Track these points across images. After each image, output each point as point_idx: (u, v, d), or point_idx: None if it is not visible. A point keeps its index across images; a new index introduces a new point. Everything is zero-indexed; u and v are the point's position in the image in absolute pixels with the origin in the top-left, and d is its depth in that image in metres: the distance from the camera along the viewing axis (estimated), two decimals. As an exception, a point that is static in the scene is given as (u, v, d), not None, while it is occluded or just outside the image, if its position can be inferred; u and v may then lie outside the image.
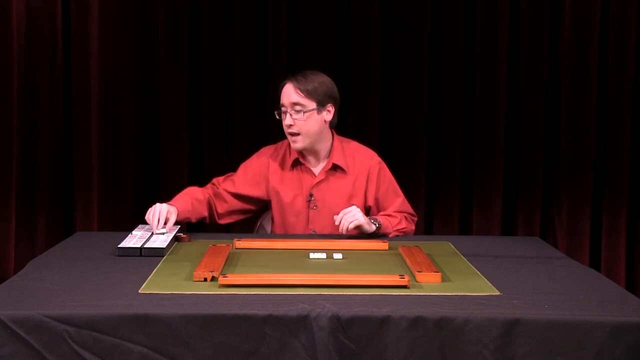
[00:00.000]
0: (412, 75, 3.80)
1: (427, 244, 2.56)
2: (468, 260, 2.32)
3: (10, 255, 3.69)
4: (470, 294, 1.93)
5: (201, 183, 3.72)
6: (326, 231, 2.80)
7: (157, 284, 1.99)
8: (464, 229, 3.89)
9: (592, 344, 1.73)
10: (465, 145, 3.86)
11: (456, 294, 1.93)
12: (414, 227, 2.88)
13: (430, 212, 3.88)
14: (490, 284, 2.03)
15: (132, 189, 3.81)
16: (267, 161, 2.88)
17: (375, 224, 2.67)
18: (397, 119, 3.84)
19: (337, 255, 2.35)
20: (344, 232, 2.61)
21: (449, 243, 2.61)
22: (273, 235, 2.87)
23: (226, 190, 2.86)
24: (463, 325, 1.74)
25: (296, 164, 2.85)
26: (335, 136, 2.87)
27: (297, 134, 2.74)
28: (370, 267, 2.23)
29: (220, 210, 2.85)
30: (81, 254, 2.37)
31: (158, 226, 2.55)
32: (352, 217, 2.60)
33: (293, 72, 2.82)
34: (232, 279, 2.00)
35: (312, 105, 2.73)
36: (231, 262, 2.27)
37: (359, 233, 2.65)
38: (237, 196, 2.86)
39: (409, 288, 1.98)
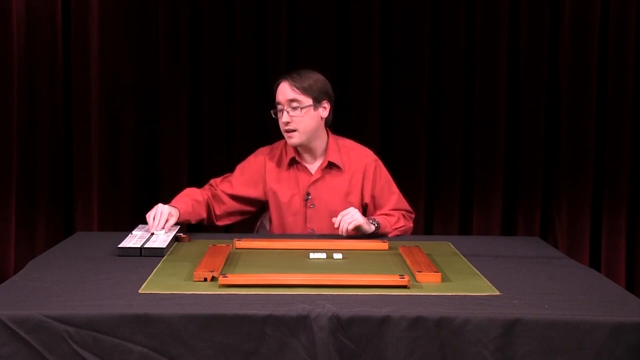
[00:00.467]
0: (412, 75, 3.80)
1: (427, 244, 2.56)
2: (468, 260, 2.33)
3: (10, 255, 3.69)
4: (470, 294, 1.93)
5: (201, 183, 3.72)
6: (324, 229, 2.80)
7: (157, 284, 1.99)
8: (464, 229, 3.89)
9: (592, 344, 1.73)
10: (465, 145, 3.86)
11: (456, 294, 1.93)
12: (412, 225, 2.88)
13: (430, 212, 3.88)
14: (490, 284, 2.03)
15: (132, 189, 3.81)
16: (263, 161, 2.88)
17: (374, 224, 2.67)
18: (397, 119, 3.84)
19: (337, 255, 2.35)
20: (343, 234, 2.61)
21: (449, 243, 2.61)
22: (273, 235, 2.87)
23: (224, 192, 2.86)
24: (463, 325, 1.74)
25: (293, 163, 2.86)
26: (330, 135, 2.88)
27: (294, 130, 2.75)
28: (370, 267, 2.23)
29: (218, 212, 2.86)
30: (81, 254, 2.37)
31: (157, 227, 2.55)
32: (351, 218, 2.60)
33: (288, 71, 2.84)
34: (232, 279, 2.00)
35: (308, 101, 2.74)
36: (231, 262, 2.27)
37: (359, 234, 2.65)
38: (235, 197, 2.86)
39: (409, 288, 1.98)
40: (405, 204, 2.88)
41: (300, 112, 2.74)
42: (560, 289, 2.01)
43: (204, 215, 2.82)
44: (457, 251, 2.48)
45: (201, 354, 1.72)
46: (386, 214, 2.79)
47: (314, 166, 2.86)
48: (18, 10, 3.63)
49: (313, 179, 2.84)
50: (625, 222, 3.85)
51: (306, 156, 2.86)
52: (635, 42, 3.78)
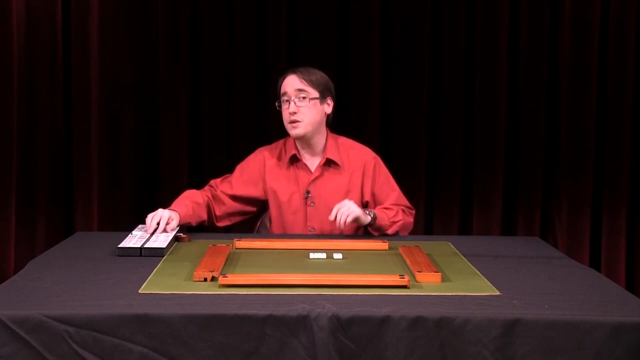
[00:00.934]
0: (412, 75, 3.80)
1: (427, 244, 2.56)
2: (468, 260, 2.32)
3: (10, 255, 3.69)
4: (470, 294, 1.93)
5: (201, 183, 3.72)
6: (325, 227, 2.81)
7: (157, 284, 1.99)
8: (464, 229, 3.89)
9: (592, 344, 1.73)
10: (465, 145, 3.86)
11: (456, 294, 1.93)
12: (412, 220, 2.86)
13: (430, 212, 3.88)
14: (490, 284, 2.03)
15: (132, 189, 3.81)
16: (263, 160, 2.89)
17: (370, 215, 2.67)
18: (397, 119, 3.84)
19: (337, 255, 2.35)
20: (342, 227, 2.61)
21: (449, 243, 2.61)
22: (273, 235, 2.87)
23: (223, 192, 2.86)
24: (463, 325, 1.74)
25: (293, 161, 2.86)
26: (329, 133, 2.89)
27: (299, 121, 2.76)
28: (370, 267, 2.23)
29: (218, 212, 2.86)
30: (81, 254, 2.36)
31: (157, 230, 2.55)
32: (347, 210, 2.60)
33: (296, 65, 2.87)
34: (232, 279, 2.00)
35: (315, 94, 2.77)
36: (231, 262, 2.27)
37: (356, 227, 2.65)
38: (235, 198, 2.87)
39: (409, 288, 1.98)
40: (405, 201, 2.88)
41: (308, 102, 2.76)
42: (560, 289, 2.01)
43: (205, 217, 2.82)
44: (457, 251, 2.48)
45: (201, 354, 1.72)
46: (385, 208, 2.79)
47: (313, 164, 2.86)
48: (18, 10, 3.63)
49: (313, 177, 2.84)
50: (625, 222, 3.85)
51: (305, 153, 2.86)
52: (635, 42, 3.78)
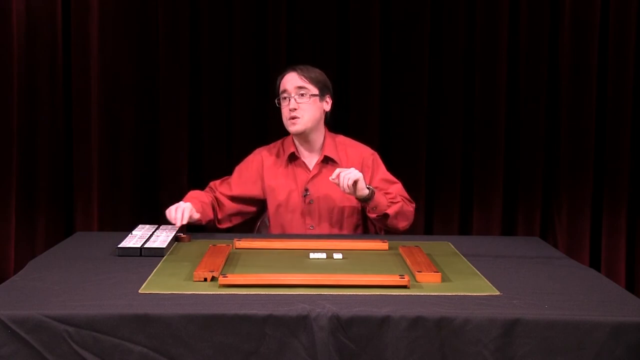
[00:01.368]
0: (412, 75, 3.80)
1: (427, 244, 2.56)
2: (468, 260, 2.33)
3: (10, 255, 3.69)
4: (470, 294, 1.93)
5: (201, 183, 3.72)
6: (323, 225, 2.81)
7: (157, 284, 1.99)
8: (464, 229, 3.89)
9: (592, 344, 1.73)
10: (465, 145, 3.86)
11: (456, 294, 1.93)
12: (411, 209, 2.83)
13: (430, 212, 3.88)
14: (490, 284, 2.03)
15: (132, 189, 3.81)
16: (261, 160, 2.90)
17: (369, 188, 2.65)
18: (397, 119, 3.84)
19: (337, 255, 2.35)
20: (346, 189, 2.58)
21: (449, 243, 2.61)
22: (273, 235, 2.87)
23: (223, 194, 2.87)
24: (463, 325, 1.74)
25: (291, 159, 2.86)
26: (327, 131, 2.90)
27: (298, 117, 2.77)
28: (370, 267, 2.23)
29: (219, 215, 2.86)
30: (81, 254, 2.37)
31: (182, 220, 2.59)
32: (350, 173, 2.58)
33: (296, 64, 2.89)
34: (232, 279, 2.00)
35: (315, 90, 2.80)
36: (231, 262, 2.27)
37: (356, 225, 2.64)
38: (234, 199, 2.87)
39: (409, 288, 1.98)
40: (406, 193, 2.86)
41: (307, 99, 2.78)
42: (560, 289, 2.01)
43: (212, 216, 2.83)
44: (457, 251, 2.48)
45: (201, 354, 1.72)
46: (384, 192, 2.79)
47: (312, 162, 2.87)
48: (18, 10, 3.63)
49: (311, 174, 2.85)
50: (625, 222, 3.85)
51: (304, 151, 2.87)
52: (635, 42, 3.78)
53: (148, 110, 3.80)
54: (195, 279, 2.02)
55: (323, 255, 2.34)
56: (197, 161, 3.83)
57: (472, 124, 3.85)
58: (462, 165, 3.87)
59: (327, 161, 2.86)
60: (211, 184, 2.95)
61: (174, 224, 2.62)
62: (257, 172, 2.89)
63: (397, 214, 2.74)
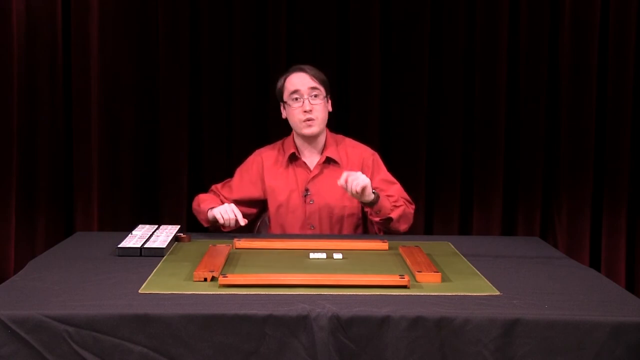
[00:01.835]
0: (412, 75, 3.80)
1: (427, 244, 2.56)
2: (468, 260, 2.33)
3: (10, 255, 3.69)
4: (470, 294, 1.93)
5: (201, 183, 3.73)
6: (324, 225, 2.81)
7: (157, 284, 1.99)
8: (464, 229, 3.89)
9: (592, 344, 1.73)
10: (465, 145, 3.86)
11: (456, 294, 1.94)
12: (412, 211, 2.83)
13: (430, 212, 3.88)
14: (490, 284, 2.03)
15: (132, 189, 3.81)
16: (261, 161, 2.90)
17: (374, 193, 2.66)
18: (397, 119, 3.84)
19: (337, 255, 2.35)
20: (353, 193, 2.57)
21: (449, 243, 2.61)
22: (273, 235, 2.87)
23: (225, 198, 2.87)
24: (463, 325, 1.74)
25: (292, 159, 2.86)
26: (328, 132, 2.90)
27: (314, 119, 2.77)
28: (370, 267, 2.23)
29: None
30: (81, 254, 2.37)
31: (233, 219, 2.62)
32: (357, 178, 2.58)
33: (295, 65, 2.89)
34: (232, 279, 2.00)
35: (324, 92, 2.82)
36: (231, 262, 2.27)
37: (356, 226, 2.64)
38: (237, 202, 2.86)
39: (409, 288, 1.98)
40: (406, 195, 2.87)
41: (320, 100, 2.80)
42: (560, 289, 2.01)
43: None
44: (457, 251, 2.48)
45: (201, 354, 1.72)
46: (387, 195, 2.79)
47: (312, 163, 2.87)
48: (18, 10, 3.63)
49: (312, 174, 2.85)
50: (625, 222, 3.85)
51: (307, 151, 2.87)
52: (635, 42, 3.77)
53: (148, 110, 3.79)
54: (195, 279, 2.02)
55: (323, 255, 2.34)
56: (197, 161, 3.83)
57: (472, 124, 3.85)
58: (462, 165, 3.87)
59: (329, 162, 2.86)
60: (213, 187, 2.95)
61: (226, 227, 2.66)
62: (257, 174, 2.89)
63: (400, 217, 2.75)
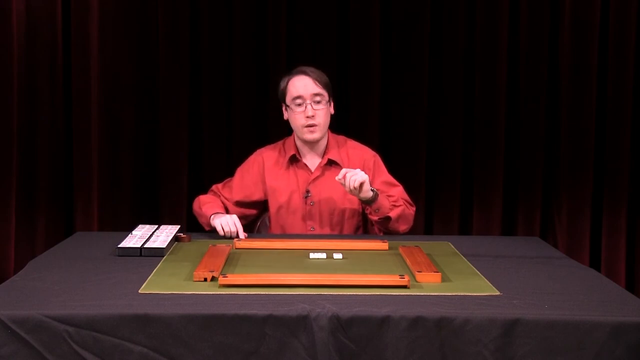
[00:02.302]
0: (412, 75, 3.80)
1: (427, 244, 2.56)
2: (468, 260, 2.33)
3: (10, 255, 3.69)
4: (470, 294, 1.93)
5: (201, 183, 3.73)
6: (324, 227, 2.81)
7: (157, 284, 1.99)
8: (464, 229, 3.89)
9: (592, 344, 1.73)
10: (465, 145, 3.86)
11: (456, 294, 1.94)
12: (412, 213, 2.83)
13: (430, 212, 3.88)
14: (490, 284, 2.03)
15: (132, 189, 3.81)
16: (262, 161, 2.89)
17: (373, 190, 2.66)
18: (397, 119, 3.84)
19: (337, 255, 2.35)
20: (351, 189, 2.58)
21: (449, 243, 2.61)
22: (273, 235, 2.87)
23: (226, 199, 2.87)
24: (463, 325, 1.74)
25: (292, 160, 2.86)
26: (330, 133, 2.89)
27: (316, 125, 2.76)
28: (370, 267, 2.23)
29: None
30: (81, 254, 2.37)
31: (238, 232, 2.61)
32: (356, 175, 2.59)
33: (296, 68, 2.86)
34: (232, 279, 2.00)
35: (327, 96, 2.80)
36: (231, 262, 2.27)
37: (357, 226, 2.65)
38: (237, 203, 2.87)
39: (409, 288, 1.98)
40: (407, 197, 2.87)
41: (323, 105, 2.78)
42: (560, 289, 2.01)
43: None
44: (457, 251, 2.48)
45: (201, 354, 1.72)
46: (387, 195, 2.79)
47: (313, 164, 2.87)
48: (18, 10, 3.63)
49: (313, 176, 2.84)
50: (625, 222, 3.85)
51: (306, 153, 2.86)
52: (635, 42, 3.77)
53: (148, 110, 3.79)
54: (195, 279, 2.02)
55: (323, 255, 2.34)
56: (197, 161, 3.83)
57: (472, 124, 3.85)
58: (462, 165, 3.87)
59: (330, 163, 2.85)
60: (214, 187, 2.94)
61: (229, 238, 2.63)
62: (258, 174, 2.89)
63: (399, 217, 2.75)
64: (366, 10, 3.76)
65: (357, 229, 2.89)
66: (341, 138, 2.94)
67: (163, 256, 2.33)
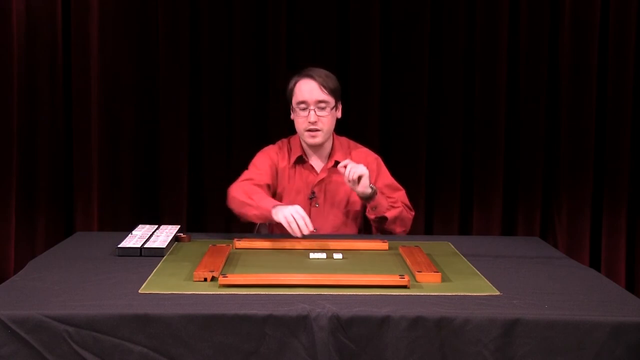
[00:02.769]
0: (412, 75, 3.80)
1: (427, 244, 2.56)
2: (468, 260, 2.32)
3: (10, 255, 3.69)
4: (470, 294, 1.93)
5: (201, 183, 3.73)
6: (327, 229, 2.80)
7: (157, 284, 1.99)
8: (464, 229, 3.89)
9: (592, 344, 1.73)
10: (465, 145, 3.86)
11: (456, 294, 1.93)
12: (410, 217, 2.83)
13: (430, 212, 3.88)
14: (490, 284, 2.03)
15: (132, 189, 3.81)
16: (276, 157, 2.85)
17: (372, 188, 2.65)
18: (397, 119, 3.84)
19: (337, 255, 2.35)
20: (350, 180, 2.58)
21: (449, 243, 2.61)
22: (273, 235, 2.87)
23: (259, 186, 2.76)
24: (463, 325, 1.74)
25: (298, 162, 2.85)
26: (335, 136, 2.89)
27: (319, 130, 2.75)
28: (370, 267, 2.23)
29: None
30: (81, 254, 2.36)
31: (306, 228, 2.42)
32: (356, 167, 2.59)
33: (306, 69, 2.81)
34: (232, 279, 2.00)
35: (333, 102, 2.77)
36: (231, 262, 2.27)
37: (357, 227, 2.63)
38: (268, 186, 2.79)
39: (409, 288, 1.98)
40: (407, 201, 2.87)
41: (327, 112, 2.75)
42: (560, 289, 2.01)
43: None
44: (457, 251, 2.48)
45: (201, 354, 1.72)
46: (387, 197, 2.78)
47: (319, 165, 2.86)
48: (18, 10, 3.63)
49: (319, 178, 2.83)
50: (625, 222, 3.85)
51: (313, 156, 2.86)
52: (635, 42, 3.78)
53: (148, 110, 3.80)
54: (195, 279, 2.02)
55: (323, 255, 2.34)
56: (197, 161, 3.83)
57: (472, 124, 3.85)
58: (462, 165, 3.87)
59: (337, 165, 2.84)
60: (244, 182, 2.75)
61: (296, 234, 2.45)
62: (274, 167, 2.82)
63: (396, 218, 2.75)
64: (366, 10, 3.76)
65: (359, 231, 2.89)
66: (344, 140, 2.93)
67: (163, 256, 2.33)
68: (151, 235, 2.50)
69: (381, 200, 2.70)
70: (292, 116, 2.87)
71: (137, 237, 2.47)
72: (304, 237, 2.46)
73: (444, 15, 3.80)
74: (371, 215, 2.73)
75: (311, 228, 2.41)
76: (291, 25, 3.78)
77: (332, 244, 2.51)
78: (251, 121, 3.80)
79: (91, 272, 2.12)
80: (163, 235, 2.51)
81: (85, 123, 3.73)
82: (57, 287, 1.95)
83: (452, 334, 1.74)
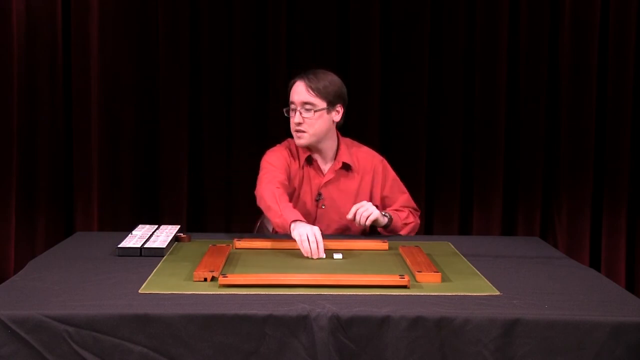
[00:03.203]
0: (412, 75, 3.80)
1: (427, 244, 2.56)
2: (468, 260, 2.32)
3: (10, 255, 3.69)
4: (470, 294, 1.93)
5: (201, 183, 3.73)
6: (333, 230, 2.80)
7: (157, 284, 1.99)
8: (464, 229, 3.89)
9: (592, 344, 1.73)
10: (465, 145, 3.86)
11: (456, 294, 1.93)
12: (419, 222, 2.89)
13: (430, 212, 3.88)
14: (490, 284, 2.03)
15: (132, 189, 3.81)
16: (288, 158, 2.83)
17: (386, 216, 2.69)
18: (397, 119, 3.84)
19: (337, 255, 2.35)
20: (360, 225, 2.62)
21: (449, 243, 2.61)
22: (273, 235, 2.86)
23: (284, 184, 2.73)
24: (463, 325, 1.74)
25: (307, 162, 2.83)
26: (341, 137, 2.87)
27: (304, 132, 2.73)
28: (370, 267, 2.23)
29: None
30: (81, 254, 2.36)
31: (319, 253, 2.34)
32: (366, 211, 2.61)
33: (304, 70, 2.79)
34: (232, 279, 2.00)
35: (322, 104, 2.73)
36: (231, 262, 2.27)
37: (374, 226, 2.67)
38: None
39: (409, 288, 1.98)
40: (412, 203, 2.88)
41: (313, 114, 2.71)
42: (560, 289, 2.01)
43: None
44: (457, 251, 2.48)
45: (201, 354, 1.72)
46: (396, 210, 2.80)
47: (326, 167, 2.85)
48: (18, 10, 3.63)
49: (325, 179, 2.82)
50: (625, 222, 3.85)
51: (317, 157, 2.85)
52: (635, 42, 3.78)
53: (148, 110, 3.80)
54: (195, 279, 2.02)
55: (323, 255, 2.34)
56: (197, 161, 3.83)
57: (472, 124, 3.85)
58: (462, 165, 3.87)
59: (344, 168, 2.83)
60: (272, 185, 2.65)
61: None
62: (288, 166, 2.81)
63: (408, 233, 2.81)
64: (366, 10, 3.76)
65: (363, 231, 2.89)
66: (348, 141, 2.91)
67: (163, 256, 2.33)
68: (151, 235, 2.50)
69: (396, 224, 2.74)
70: None
71: (137, 237, 2.47)
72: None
73: (444, 15, 3.80)
74: (385, 234, 2.74)
75: (322, 255, 2.35)
76: (291, 25, 3.78)
77: (332, 244, 2.51)
78: (251, 121, 3.80)
79: (91, 272, 2.12)
80: (163, 235, 2.51)
81: (85, 123, 3.73)
82: (57, 287, 1.95)
83: (452, 334, 1.74)
